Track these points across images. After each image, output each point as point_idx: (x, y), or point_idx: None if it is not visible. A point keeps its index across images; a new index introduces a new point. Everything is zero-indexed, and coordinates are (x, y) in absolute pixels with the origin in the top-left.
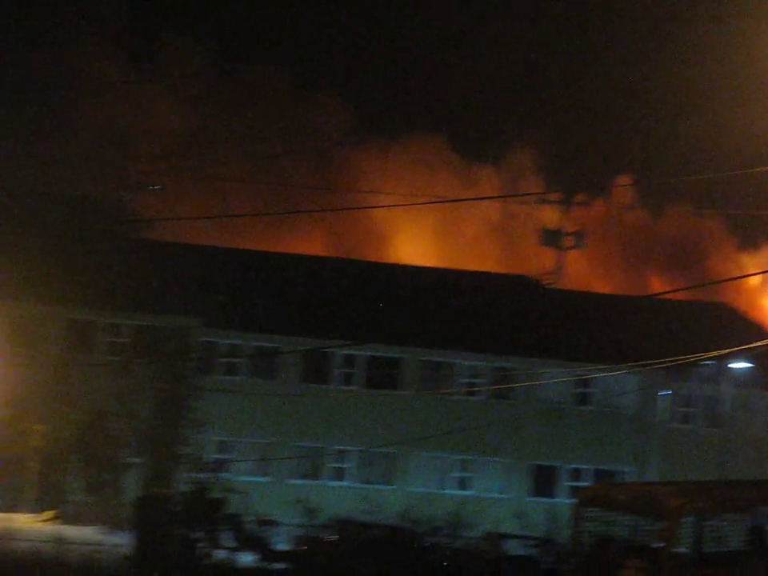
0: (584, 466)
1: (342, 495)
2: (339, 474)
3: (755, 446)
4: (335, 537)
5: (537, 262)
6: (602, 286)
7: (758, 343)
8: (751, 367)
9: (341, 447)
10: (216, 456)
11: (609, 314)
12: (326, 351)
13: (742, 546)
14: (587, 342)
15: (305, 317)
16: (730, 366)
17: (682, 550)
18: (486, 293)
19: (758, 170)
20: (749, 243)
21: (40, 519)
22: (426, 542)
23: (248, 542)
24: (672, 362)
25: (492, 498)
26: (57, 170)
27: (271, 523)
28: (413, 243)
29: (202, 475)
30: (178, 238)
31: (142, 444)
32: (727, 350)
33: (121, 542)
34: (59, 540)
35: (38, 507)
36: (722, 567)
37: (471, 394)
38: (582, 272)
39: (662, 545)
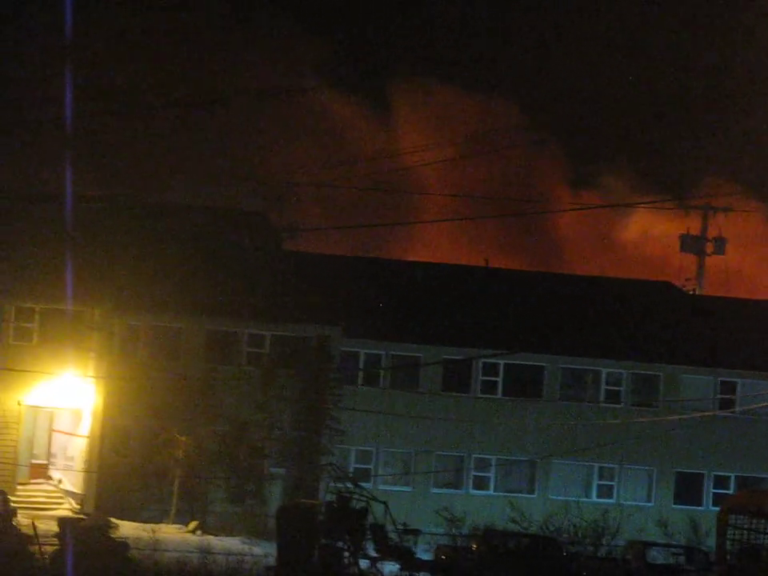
0: (729, 474)
1: (484, 504)
2: (481, 483)
3: None
4: (477, 546)
5: (678, 268)
6: (745, 291)
7: None
8: None
9: (483, 456)
10: (358, 466)
11: (753, 319)
12: (468, 360)
13: None
14: (731, 347)
15: (445, 325)
16: None
17: None
18: (629, 299)
19: None
20: None
21: (185, 530)
22: (569, 551)
23: (391, 551)
24: None
25: (635, 506)
26: (197, 183)
27: (414, 532)
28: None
29: (344, 485)
30: (314, 249)
31: (285, 454)
32: None
33: (264, 552)
34: (204, 551)
35: (182, 518)
36: None
37: (613, 401)
38: (724, 278)
39: None
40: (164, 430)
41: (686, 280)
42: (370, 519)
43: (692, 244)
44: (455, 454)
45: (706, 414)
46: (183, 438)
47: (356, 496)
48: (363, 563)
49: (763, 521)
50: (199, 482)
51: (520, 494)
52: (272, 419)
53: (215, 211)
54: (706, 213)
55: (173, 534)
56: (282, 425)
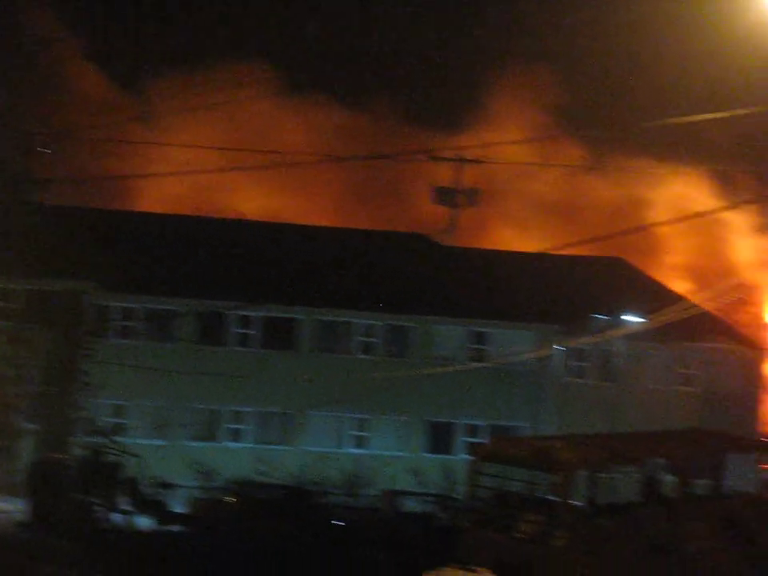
0: (480, 422)
1: (239, 457)
2: (236, 436)
3: (648, 398)
4: (233, 498)
5: (430, 219)
6: (497, 243)
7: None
8: (645, 321)
9: (237, 409)
10: (111, 420)
11: (504, 271)
12: (221, 312)
13: (635, 497)
14: (483, 298)
15: (199, 278)
16: (623, 320)
17: (577, 502)
18: (380, 251)
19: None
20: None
21: None
22: (324, 501)
23: (145, 505)
24: (570, 318)
25: (389, 455)
26: None
27: (168, 486)
28: (307, 202)
29: (97, 439)
30: (68, 201)
31: (36, 409)
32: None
33: (15, 508)
34: None
35: None
36: (616, 518)
37: (367, 352)
38: (476, 229)
39: (557, 498)
40: None
41: (439, 231)
42: (124, 473)
43: (445, 195)
44: (210, 407)
45: (458, 368)
46: None
47: (109, 450)
48: (116, 518)
49: (512, 468)
50: None
51: (275, 446)
52: (22, 374)
53: None
54: (458, 164)
55: None
56: (33, 380)
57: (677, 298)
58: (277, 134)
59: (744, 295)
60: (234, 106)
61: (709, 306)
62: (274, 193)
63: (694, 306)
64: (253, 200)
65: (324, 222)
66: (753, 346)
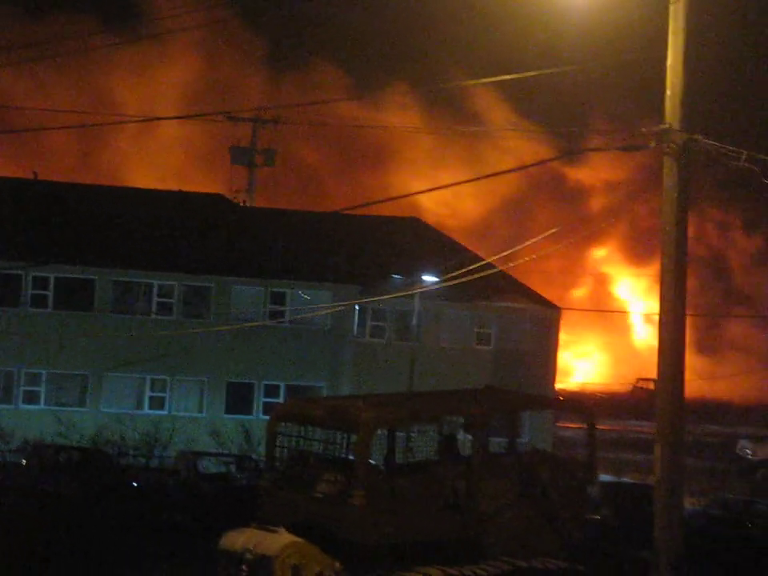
0: (279, 383)
1: (35, 419)
2: (31, 398)
3: (445, 358)
4: (27, 460)
5: (229, 180)
6: (295, 203)
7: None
8: (441, 281)
9: (33, 370)
10: None
11: (302, 231)
12: (15, 273)
13: (433, 455)
14: (281, 259)
15: None
16: (421, 279)
17: (375, 461)
18: (178, 211)
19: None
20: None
21: None
22: (120, 463)
23: None
24: (367, 277)
25: (188, 417)
26: None
27: None
28: (105, 162)
29: None
30: None
31: None
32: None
33: None
34: None
35: None
36: (414, 476)
37: (164, 313)
38: (275, 190)
39: (355, 457)
40: None
41: (237, 192)
42: None
43: (242, 156)
44: (5, 368)
45: (256, 324)
46: None
47: None
48: None
49: (310, 427)
50: None
51: (72, 408)
52: None
53: None
54: (255, 125)
55: None
56: None
57: (474, 258)
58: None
59: (537, 256)
60: None
61: (504, 266)
62: (72, 152)
63: (490, 264)
64: (57, 160)
65: (121, 183)
66: (547, 305)
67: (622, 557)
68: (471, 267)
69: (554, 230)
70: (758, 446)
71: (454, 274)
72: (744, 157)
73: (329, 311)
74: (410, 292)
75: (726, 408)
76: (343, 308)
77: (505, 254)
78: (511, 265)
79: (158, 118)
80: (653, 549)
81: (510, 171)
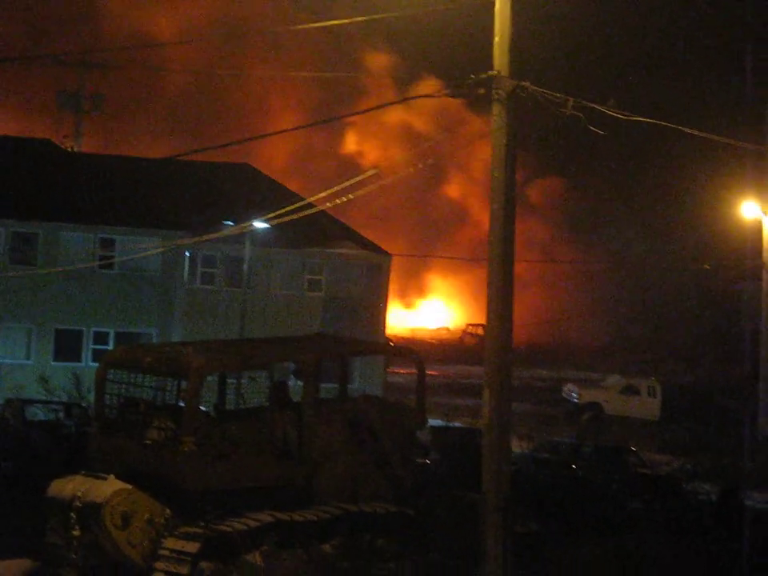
0: (109, 330)
1: None
2: None
3: (275, 304)
4: None
5: (57, 125)
6: (124, 149)
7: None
8: (270, 226)
9: None
10: None
11: (131, 177)
12: None
13: (264, 402)
14: (111, 205)
15: None
16: (250, 225)
17: (206, 407)
18: (5, 156)
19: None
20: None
21: None
22: None
23: None
24: (197, 223)
25: (15, 364)
26: None
27: None
28: None
29: None
30: None
31: None
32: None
33: None
34: None
35: None
36: (245, 422)
37: None
38: (106, 137)
39: (185, 404)
40: None
41: (65, 137)
42: None
43: (69, 101)
44: None
45: (80, 266)
46: None
47: None
48: None
49: (140, 374)
50: None
51: None
52: None
53: None
54: (82, 69)
55: None
56: None
57: (304, 204)
58: None
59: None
60: None
61: (331, 210)
62: None
63: (313, 205)
64: None
65: None
66: (378, 251)
67: (452, 500)
68: (291, 207)
69: (374, 171)
70: (584, 389)
71: (277, 213)
72: (571, 104)
73: (155, 251)
74: (230, 232)
75: (554, 353)
76: (172, 254)
77: (324, 194)
78: (329, 205)
79: None
80: (481, 491)
81: (340, 117)
